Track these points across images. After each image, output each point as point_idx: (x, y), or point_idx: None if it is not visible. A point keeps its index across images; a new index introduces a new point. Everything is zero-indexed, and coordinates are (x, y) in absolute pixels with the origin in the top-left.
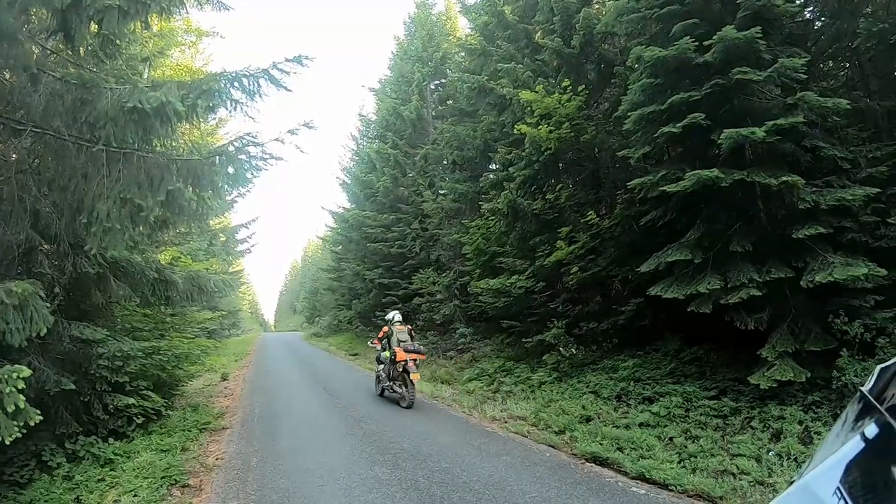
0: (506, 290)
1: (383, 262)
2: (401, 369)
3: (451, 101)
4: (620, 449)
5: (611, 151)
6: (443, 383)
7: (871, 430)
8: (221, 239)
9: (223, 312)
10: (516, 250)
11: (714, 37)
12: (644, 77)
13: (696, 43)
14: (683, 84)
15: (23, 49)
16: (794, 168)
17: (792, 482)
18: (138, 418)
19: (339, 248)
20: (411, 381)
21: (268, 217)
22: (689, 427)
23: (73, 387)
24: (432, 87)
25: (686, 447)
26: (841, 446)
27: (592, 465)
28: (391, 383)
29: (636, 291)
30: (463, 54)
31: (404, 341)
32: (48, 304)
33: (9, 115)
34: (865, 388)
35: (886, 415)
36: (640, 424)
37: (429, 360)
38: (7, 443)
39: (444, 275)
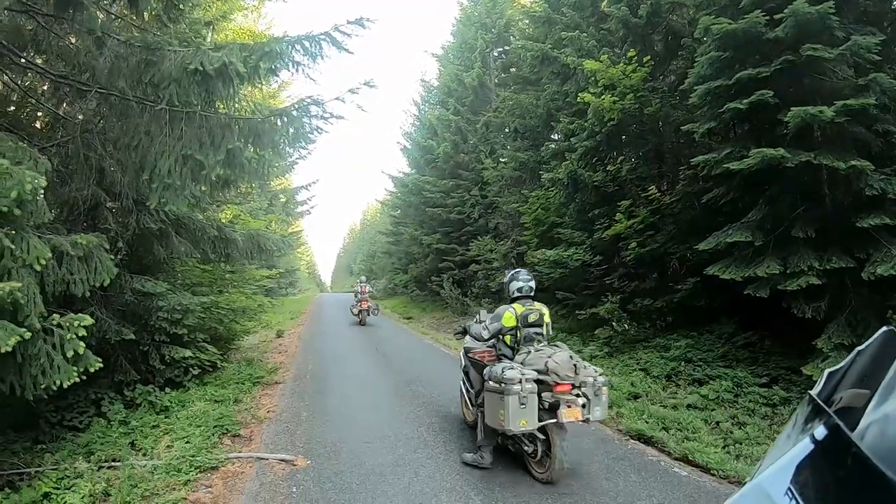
0: (562, 261)
1: (441, 228)
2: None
3: (514, 69)
4: (666, 429)
5: (675, 126)
6: None
7: (819, 431)
8: (282, 199)
9: (280, 271)
10: (575, 222)
11: (785, 10)
12: (712, 50)
13: (767, 17)
14: (752, 59)
15: (88, 14)
16: (864, 152)
17: (744, 483)
18: (194, 369)
19: (398, 212)
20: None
21: (329, 180)
22: (736, 413)
23: (133, 337)
24: (495, 54)
25: (732, 433)
26: (792, 447)
27: (636, 442)
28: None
29: (693, 270)
30: (527, 21)
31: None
32: (112, 257)
33: (75, 78)
34: (814, 392)
35: (835, 417)
36: (688, 406)
37: None
38: (65, 386)
39: (501, 243)
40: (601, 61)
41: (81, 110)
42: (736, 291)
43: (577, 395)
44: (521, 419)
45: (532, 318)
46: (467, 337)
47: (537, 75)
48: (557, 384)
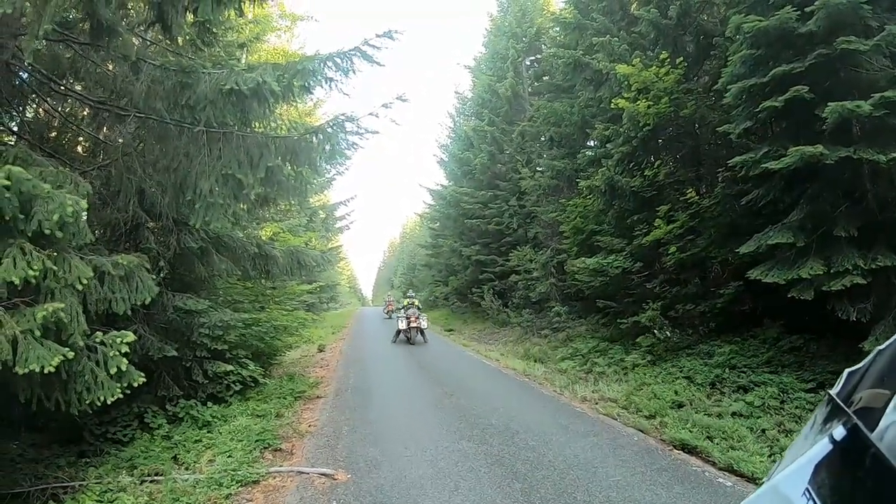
0: (602, 269)
1: (480, 239)
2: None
3: (546, 78)
4: (710, 438)
5: (711, 127)
6: (536, 361)
7: (838, 432)
8: (321, 216)
9: (321, 285)
10: (613, 229)
11: (816, 2)
12: (744, 48)
13: (798, 11)
14: (786, 55)
15: (123, 41)
16: None
17: (761, 483)
18: (236, 385)
19: (437, 224)
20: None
21: (368, 195)
22: (783, 420)
23: (175, 353)
24: (527, 63)
25: (778, 440)
26: (810, 448)
27: (680, 452)
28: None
29: (735, 274)
30: (557, 29)
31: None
32: (153, 277)
33: (113, 103)
34: (833, 392)
35: (854, 417)
36: (733, 414)
37: (522, 337)
38: (108, 402)
39: (540, 252)
40: (633, 65)
41: (121, 134)
42: (779, 295)
43: (418, 318)
44: (399, 325)
45: (406, 303)
46: (399, 311)
47: (570, 83)
48: (409, 318)
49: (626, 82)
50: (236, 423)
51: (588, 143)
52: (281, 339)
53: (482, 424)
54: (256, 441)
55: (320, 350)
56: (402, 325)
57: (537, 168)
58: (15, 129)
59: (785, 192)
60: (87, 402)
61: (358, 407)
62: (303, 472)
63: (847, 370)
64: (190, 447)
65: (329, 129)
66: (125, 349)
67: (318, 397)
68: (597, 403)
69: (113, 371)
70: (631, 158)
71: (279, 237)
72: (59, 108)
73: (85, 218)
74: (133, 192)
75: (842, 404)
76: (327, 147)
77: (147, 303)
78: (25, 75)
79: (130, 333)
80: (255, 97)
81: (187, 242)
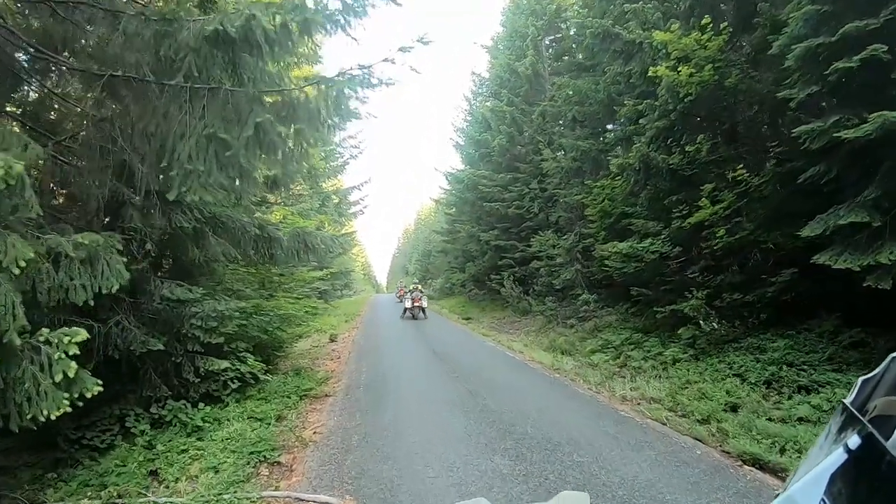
0: (637, 254)
1: (499, 224)
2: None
3: (567, 57)
4: (783, 450)
5: (757, 98)
6: (563, 353)
7: (853, 441)
8: (334, 200)
9: (332, 271)
10: (647, 211)
11: None
12: (807, 4)
13: None
14: (854, 11)
15: None
16: None
17: (777, 495)
18: (233, 382)
19: (453, 210)
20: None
21: (383, 181)
22: None
23: (161, 347)
24: (546, 42)
25: None
26: (824, 458)
27: (752, 468)
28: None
29: (783, 261)
30: (581, 1)
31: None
32: (125, 259)
33: (86, 65)
34: (848, 401)
35: (869, 426)
36: (799, 419)
37: (545, 326)
38: (53, 417)
39: (564, 237)
40: (672, 31)
41: (93, 98)
42: (838, 282)
43: (420, 299)
44: (406, 304)
45: (412, 288)
46: (407, 295)
47: (593, 61)
48: (412, 300)
49: (663, 51)
50: (231, 429)
51: (614, 123)
52: (286, 330)
53: (516, 433)
54: (251, 453)
55: (332, 340)
56: (408, 304)
57: (559, 150)
58: None
59: (851, 167)
60: (29, 416)
61: (370, 409)
62: (301, 501)
63: (861, 378)
64: (174, 459)
65: (336, 79)
66: (74, 350)
67: (326, 396)
68: (639, 404)
69: (58, 378)
70: (669, 133)
71: (287, 219)
72: (36, 75)
73: (29, 186)
74: (111, 163)
75: (856, 413)
76: (333, 98)
77: (114, 290)
78: None
79: (82, 331)
80: (245, 43)
81: (179, 222)
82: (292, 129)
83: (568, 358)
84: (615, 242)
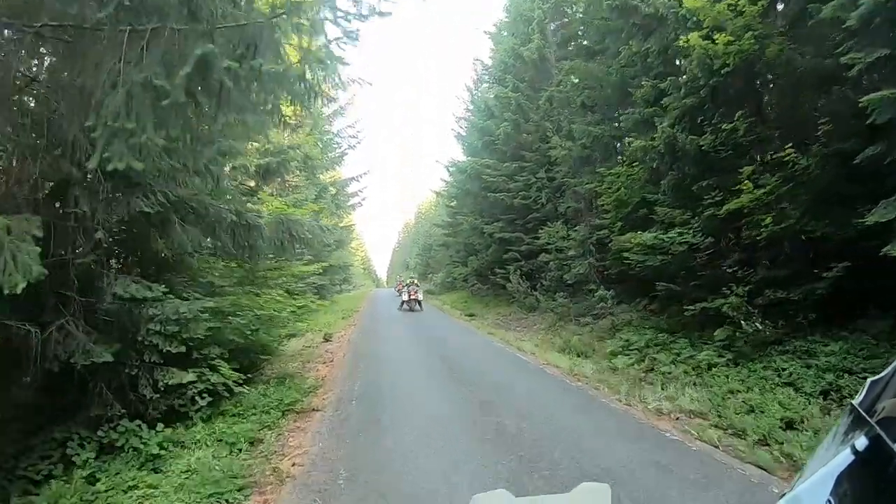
0: (662, 245)
1: (504, 215)
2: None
3: (574, 42)
4: None
5: (799, 73)
6: (579, 356)
7: (861, 442)
8: (331, 192)
9: (326, 265)
10: (671, 198)
11: None
12: None
13: None
14: None
15: None
16: None
17: (783, 495)
18: (202, 397)
19: (455, 202)
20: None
21: (382, 175)
22: None
23: (109, 358)
24: (552, 27)
25: None
26: (831, 459)
27: None
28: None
29: (830, 252)
30: None
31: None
32: (38, 248)
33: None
34: (856, 401)
35: (877, 427)
36: None
37: (556, 324)
38: None
39: (576, 229)
40: None
41: (21, 58)
42: (887, 277)
43: (416, 293)
44: (403, 297)
45: (409, 282)
46: (404, 288)
47: (602, 44)
48: (409, 293)
49: (692, 19)
50: (193, 458)
51: (628, 106)
52: (267, 332)
53: (546, 465)
54: (211, 495)
55: (326, 340)
56: (405, 296)
57: (569, 137)
58: None
59: None
60: None
61: (364, 430)
62: None
63: (869, 379)
64: (118, 500)
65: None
66: None
67: (313, 410)
68: (677, 418)
69: None
70: (698, 112)
71: (275, 209)
72: None
73: None
74: (45, 132)
75: (864, 414)
76: (305, 28)
77: (18, 290)
78: None
79: None
80: None
81: (139, 206)
82: (250, 68)
83: (587, 361)
84: (637, 233)
